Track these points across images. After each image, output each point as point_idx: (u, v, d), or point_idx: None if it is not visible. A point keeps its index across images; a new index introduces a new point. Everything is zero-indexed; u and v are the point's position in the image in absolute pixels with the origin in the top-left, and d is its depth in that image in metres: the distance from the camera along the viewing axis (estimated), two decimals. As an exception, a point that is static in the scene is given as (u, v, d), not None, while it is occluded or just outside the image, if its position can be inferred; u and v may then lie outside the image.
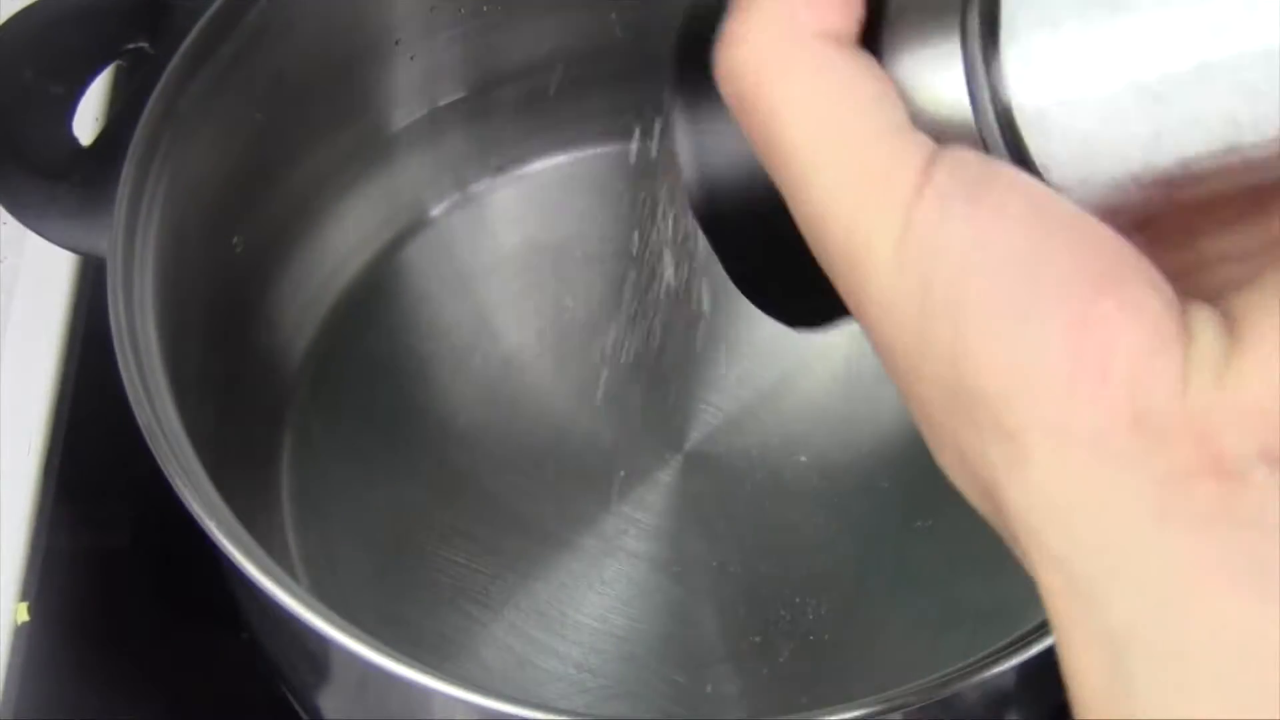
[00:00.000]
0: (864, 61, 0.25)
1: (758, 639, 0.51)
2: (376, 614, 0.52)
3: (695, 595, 0.53)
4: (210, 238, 0.53)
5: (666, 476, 0.55)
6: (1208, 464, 0.22)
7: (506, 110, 0.62)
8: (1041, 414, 0.22)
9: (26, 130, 0.49)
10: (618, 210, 0.62)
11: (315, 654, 0.45)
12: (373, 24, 0.57)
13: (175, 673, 0.53)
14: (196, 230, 0.51)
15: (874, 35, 0.26)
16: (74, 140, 0.50)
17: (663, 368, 0.58)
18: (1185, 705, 0.21)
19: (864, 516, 0.54)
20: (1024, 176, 0.24)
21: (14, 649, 0.52)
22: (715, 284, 0.58)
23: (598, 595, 0.53)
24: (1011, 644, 0.40)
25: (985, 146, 0.25)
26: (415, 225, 0.62)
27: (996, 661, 0.40)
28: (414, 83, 0.60)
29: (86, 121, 0.53)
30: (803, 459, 0.55)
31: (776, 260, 0.27)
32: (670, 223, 0.54)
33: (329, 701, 0.48)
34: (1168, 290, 0.23)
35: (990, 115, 0.24)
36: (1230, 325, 0.23)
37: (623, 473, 0.55)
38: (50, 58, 0.49)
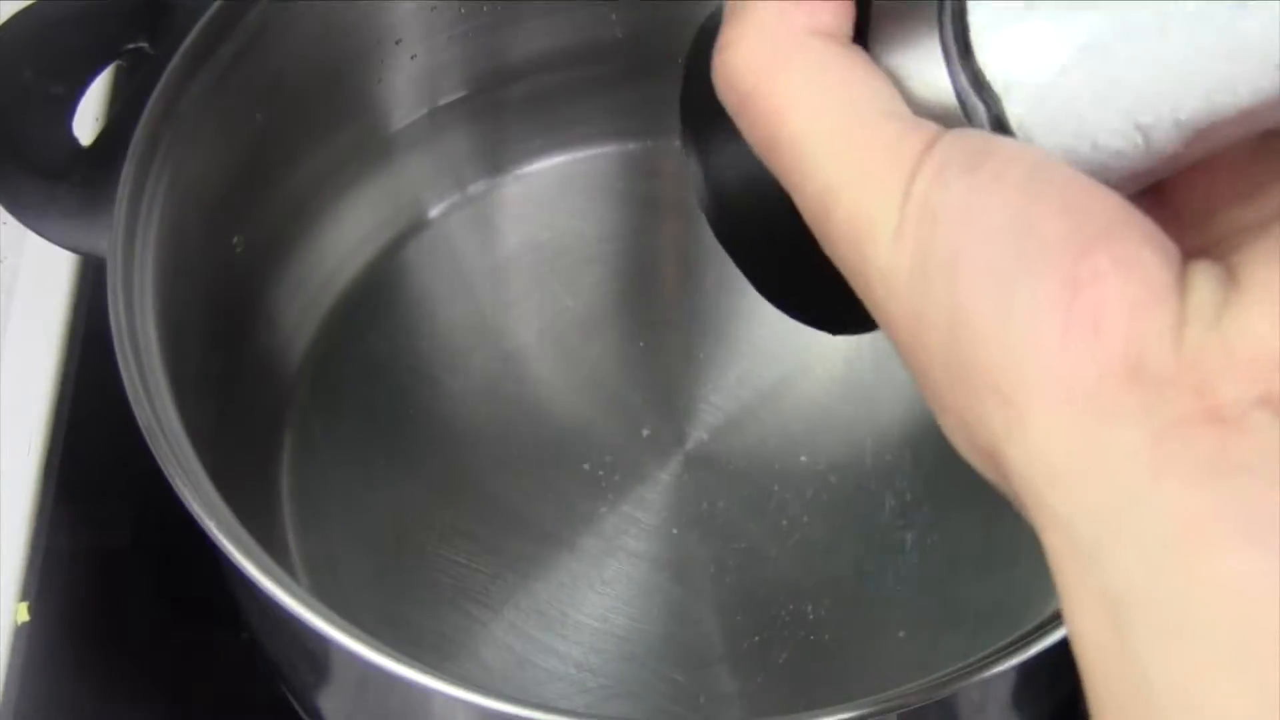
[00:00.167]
0: (859, 56, 0.26)
1: (758, 639, 0.51)
2: (376, 614, 0.52)
3: (695, 595, 0.53)
4: (210, 238, 0.53)
5: (666, 476, 0.55)
6: (1205, 412, 0.21)
7: (507, 110, 0.62)
8: (1037, 374, 0.22)
9: (26, 130, 0.49)
10: (618, 210, 0.62)
11: (315, 654, 0.45)
12: (373, 24, 0.57)
13: (175, 673, 0.53)
14: (196, 230, 0.51)
15: (864, 31, 0.26)
16: (74, 140, 0.50)
17: (662, 367, 0.58)
18: (1185, 661, 0.21)
19: (864, 516, 0.54)
20: (1026, 147, 0.24)
21: (14, 649, 0.52)
22: (716, 284, 0.58)
23: (598, 595, 0.53)
24: (1011, 644, 0.40)
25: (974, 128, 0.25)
26: (415, 225, 0.62)
27: (996, 661, 0.40)
28: (414, 83, 0.60)
29: (86, 121, 0.53)
30: (803, 459, 0.55)
31: (795, 266, 0.27)
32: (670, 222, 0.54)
33: (329, 701, 0.48)
34: (1168, 245, 0.23)
35: (973, 96, 0.25)
36: (1230, 276, 0.23)
37: (622, 473, 0.55)
38: (50, 58, 0.49)
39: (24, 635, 0.52)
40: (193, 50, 0.50)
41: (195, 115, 0.50)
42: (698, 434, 0.56)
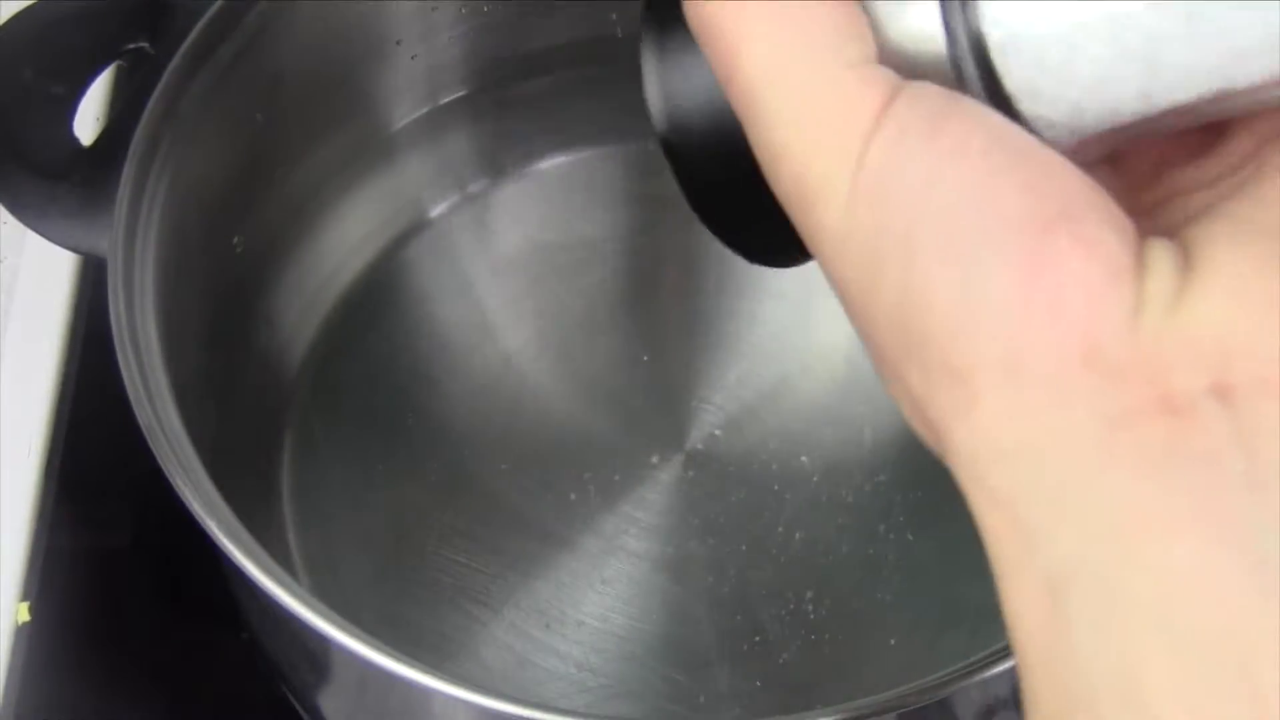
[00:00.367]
0: None
1: (758, 639, 0.51)
2: (376, 614, 0.52)
3: (695, 595, 0.53)
4: (210, 238, 0.53)
5: (666, 476, 0.55)
6: (1157, 401, 0.21)
7: (507, 110, 0.62)
8: (991, 353, 0.22)
9: (26, 130, 0.49)
10: (618, 210, 0.62)
11: (315, 654, 0.45)
12: (373, 24, 0.57)
13: (175, 673, 0.53)
14: (196, 230, 0.51)
15: None
16: (74, 140, 0.50)
17: (663, 368, 0.58)
18: (1121, 646, 0.21)
19: (864, 516, 0.54)
20: (986, 111, 0.23)
21: (14, 649, 0.52)
22: (716, 284, 0.58)
23: (598, 595, 0.53)
24: (1011, 644, 0.40)
25: (959, 77, 0.24)
26: (415, 225, 0.62)
27: (996, 661, 0.40)
28: (414, 82, 0.60)
29: (87, 121, 0.53)
30: (803, 459, 0.55)
31: (738, 193, 0.26)
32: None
33: (329, 701, 0.48)
34: (1127, 226, 0.22)
35: (964, 43, 0.24)
36: (1185, 257, 0.22)
37: (622, 473, 0.55)
38: (50, 58, 0.49)
39: (24, 635, 0.52)
40: (193, 50, 0.50)
41: (195, 115, 0.50)
42: (698, 434, 0.56)
